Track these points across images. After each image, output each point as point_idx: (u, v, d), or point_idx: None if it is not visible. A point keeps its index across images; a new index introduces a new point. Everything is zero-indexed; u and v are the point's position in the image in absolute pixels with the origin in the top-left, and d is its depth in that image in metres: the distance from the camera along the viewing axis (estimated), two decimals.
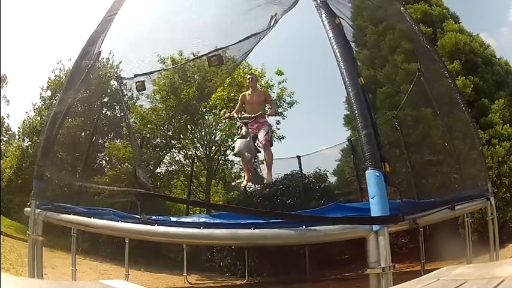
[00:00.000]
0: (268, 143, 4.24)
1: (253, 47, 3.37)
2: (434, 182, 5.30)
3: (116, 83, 6.00)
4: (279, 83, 10.83)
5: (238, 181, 12.04)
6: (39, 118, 12.78)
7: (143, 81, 4.08)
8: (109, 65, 11.57)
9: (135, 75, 4.14)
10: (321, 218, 2.29)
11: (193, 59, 3.89)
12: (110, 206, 3.75)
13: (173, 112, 10.05)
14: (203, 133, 10.92)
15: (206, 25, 3.38)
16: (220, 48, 3.29)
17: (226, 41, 3.32)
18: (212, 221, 2.56)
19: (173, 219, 3.24)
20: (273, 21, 3.13)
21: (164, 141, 10.70)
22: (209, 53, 3.36)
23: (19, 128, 13.42)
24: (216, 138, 10.91)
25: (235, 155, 4.30)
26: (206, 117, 11.13)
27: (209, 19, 3.41)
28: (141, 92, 8.61)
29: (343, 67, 2.21)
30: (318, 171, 8.20)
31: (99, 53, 3.91)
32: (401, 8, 4.20)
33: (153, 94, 9.89)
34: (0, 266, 4.38)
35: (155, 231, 2.51)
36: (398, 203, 2.26)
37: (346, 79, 2.18)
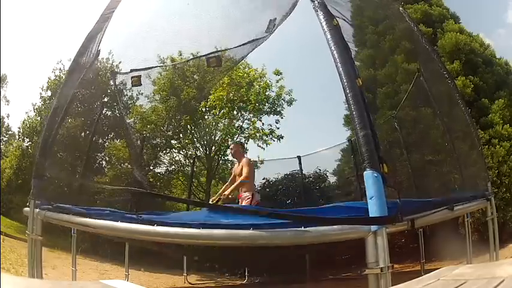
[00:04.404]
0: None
1: (251, 51, 3.35)
2: (434, 182, 5.30)
3: (115, 82, 6.01)
4: (277, 81, 10.85)
5: None
6: (39, 118, 12.78)
7: (139, 76, 4.07)
8: (109, 65, 11.59)
9: (131, 70, 4.13)
10: (320, 218, 2.29)
11: (191, 59, 3.86)
12: (109, 205, 3.77)
13: (173, 112, 10.04)
14: (203, 133, 10.91)
15: (205, 26, 3.36)
16: (218, 51, 3.27)
17: (226, 42, 3.31)
18: (213, 219, 2.57)
19: (174, 215, 3.23)
20: (272, 26, 3.12)
21: (164, 141, 10.69)
22: (208, 54, 3.35)
23: (19, 128, 13.45)
24: (216, 138, 10.90)
25: None
26: (206, 117, 11.13)
27: (208, 20, 3.40)
28: (141, 92, 8.64)
29: (341, 68, 2.21)
30: (318, 171, 8.20)
31: (98, 51, 3.91)
32: (400, 8, 4.20)
33: (153, 94, 9.89)
34: (0, 266, 4.39)
35: (155, 231, 2.52)
36: (397, 203, 2.26)
37: (344, 80, 2.18)
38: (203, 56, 3.44)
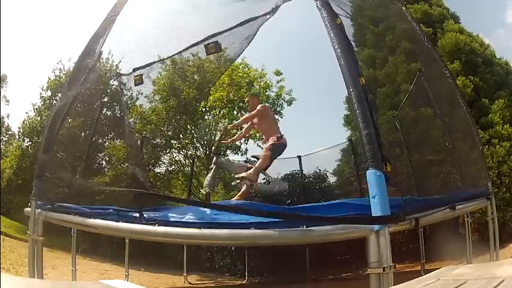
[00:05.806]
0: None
1: (253, 35, 3.27)
2: (434, 182, 5.30)
3: (116, 82, 6.01)
4: (277, 82, 10.87)
5: (238, 181, 12.05)
6: (39, 118, 12.79)
7: (141, 75, 4.05)
8: (109, 65, 11.59)
9: (134, 69, 4.12)
10: (321, 218, 2.29)
11: (189, 47, 3.72)
12: (110, 205, 3.76)
13: (173, 112, 10.05)
14: (203, 133, 10.92)
15: (205, 23, 3.33)
16: (216, 34, 3.17)
17: (226, 36, 3.24)
18: (215, 218, 2.57)
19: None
20: (274, 7, 3.07)
21: (164, 141, 10.70)
22: (205, 39, 3.25)
23: (19, 128, 13.46)
24: (216, 138, 10.92)
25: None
26: (206, 117, 11.15)
27: (208, 17, 3.37)
28: (140, 92, 8.62)
29: (344, 67, 2.21)
30: (318, 171, 8.19)
31: (100, 53, 3.91)
32: (403, 8, 4.19)
33: (153, 94, 9.89)
34: (0, 266, 4.38)
35: (155, 231, 2.51)
36: (400, 200, 2.25)
37: (348, 79, 2.18)
38: (200, 42, 3.33)
